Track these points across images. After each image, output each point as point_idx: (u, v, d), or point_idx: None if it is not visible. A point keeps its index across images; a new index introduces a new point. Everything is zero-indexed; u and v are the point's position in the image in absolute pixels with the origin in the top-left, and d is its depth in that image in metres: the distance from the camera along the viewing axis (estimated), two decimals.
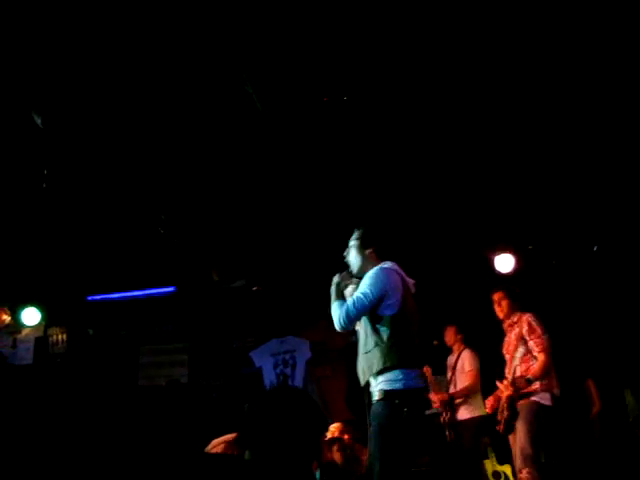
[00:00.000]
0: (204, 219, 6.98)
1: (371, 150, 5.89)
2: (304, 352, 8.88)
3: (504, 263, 7.30)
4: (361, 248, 4.19)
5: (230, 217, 6.96)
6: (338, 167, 6.10)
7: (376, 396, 3.87)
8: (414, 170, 6.22)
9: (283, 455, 2.29)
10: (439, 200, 6.71)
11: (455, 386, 6.74)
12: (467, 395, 6.61)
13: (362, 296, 3.87)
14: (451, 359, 6.89)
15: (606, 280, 7.32)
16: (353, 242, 4.26)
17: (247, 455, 2.38)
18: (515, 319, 5.58)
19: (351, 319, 3.90)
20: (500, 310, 5.70)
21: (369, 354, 3.90)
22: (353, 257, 4.23)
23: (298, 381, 8.68)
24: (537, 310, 5.63)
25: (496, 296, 5.74)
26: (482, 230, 7.05)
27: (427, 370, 6.50)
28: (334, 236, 4.60)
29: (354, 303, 3.88)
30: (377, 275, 3.93)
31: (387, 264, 4.06)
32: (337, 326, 3.96)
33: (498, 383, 5.51)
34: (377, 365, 3.84)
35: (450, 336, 6.89)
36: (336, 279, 4.18)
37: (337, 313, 3.94)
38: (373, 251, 4.17)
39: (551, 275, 7.43)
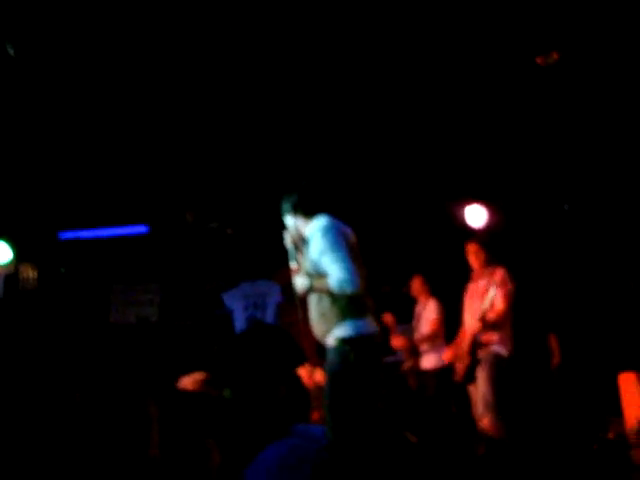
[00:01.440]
0: (180, 160, 6.94)
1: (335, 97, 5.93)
2: (275, 295, 8.94)
3: (476, 216, 7.32)
4: (301, 211, 4.20)
5: (206, 159, 6.95)
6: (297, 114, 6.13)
7: (328, 344, 3.94)
8: (395, 120, 6.29)
9: (263, 391, 2.27)
10: (418, 149, 6.80)
11: (420, 333, 6.83)
12: (429, 342, 6.70)
13: (339, 258, 3.86)
14: (418, 309, 6.97)
15: (575, 240, 7.40)
16: (288, 210, 4.26)
17: (227, 394, 2.40)
18: (488, 271, 5.68)
19: (354, 281, 3.83)
20: (475, 260, 5.78)
21: (323, 305, 3.98)
22: (294, 221, 4.25)
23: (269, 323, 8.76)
24: (507, 264, 5.73)
25: (472, 247, 5.80)
26: (454, 183, 7.13)
27: (389, 317, 6.58)
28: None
29: (341, 271, 3.83)
30: (328, 231, 3.97)
31: (324, 218, 4.08)
32: (350, 289, 3.84)
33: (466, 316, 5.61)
34: (331, 316, 3.92)
35: (417, 286, 6.96)
36: (290, 240, 4.21)
37: (341, 279, 3.83)
38: (309, 210, 4.19)
39: (521, 231, 7.48)
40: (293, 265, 4.17)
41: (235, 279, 9.22)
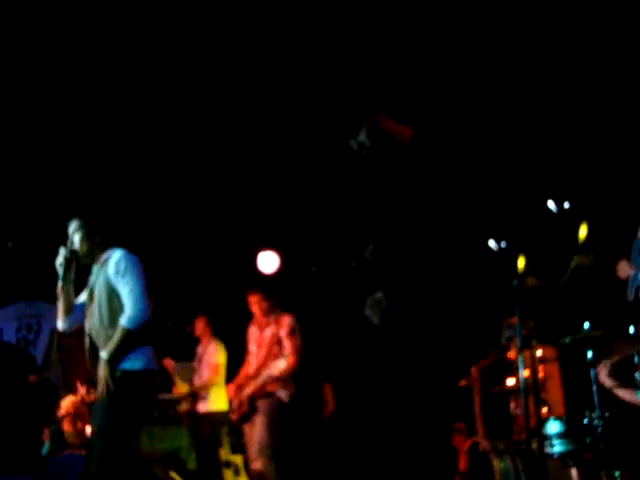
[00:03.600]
0: None
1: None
2: (51, 319, 8.35)
3: (268, 262, 7.37)
4: (88, 235, 4.17)
5: None
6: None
7: (104, 373, 3.87)
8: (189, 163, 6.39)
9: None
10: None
11: (200, 377, 6.79)
12: (208, 388, 6.69)
13: (138, 290, 3.88)
14: (200, 350, 6.92)
15: (356, 295, 7.52)
16: (78, 230, 4.20)
17: None
18: (273, 318, 5.67)
19: (146, 318, 3.87)
20: (258, 309, 5.77)
21: (109, 332, 3.93)
22: (79, 243, 4.18)
23: (40, 349, 8.32)
24: (294, 311, 5.78)
25: (253, 298, 5.78)
26: (249, 229, 7.20)
27: (168, 362, 6.56)
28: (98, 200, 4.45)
29: (137, 302, 3.85)
30: (132, 263, 3.99)
31: (121, 250, 4.07)
32: (140, 325, 3.85)
33: (251, 380, 5.58)
34: (114, 344, 3.87)
35: (200, 327, 6.90)
36: (62, 258, 4.10)
37: (136, 315, 3.84)
38: (101, 239, 4.18)
39: (309, 280, 7.66)
40: (60, 286, 4.11)
41: (11, 296, 8.62)
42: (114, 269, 3.93)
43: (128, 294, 3.87)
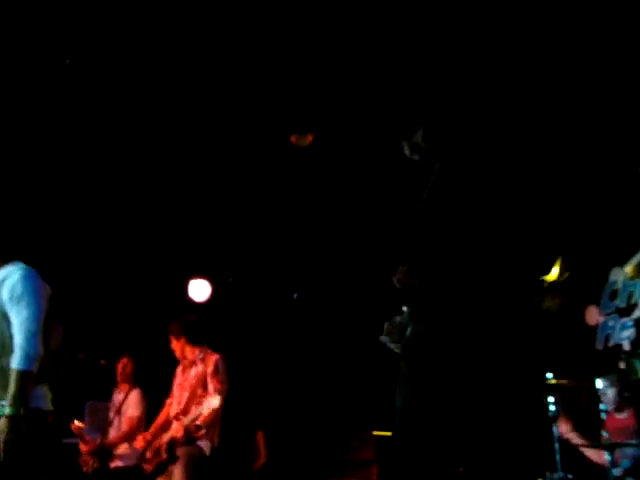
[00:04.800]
0: None
1: None
2: None
3: (199, 290, 6.86)
4: None
5: None
6: None
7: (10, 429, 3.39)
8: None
9: None
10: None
11: (116, 429, 6.03)
12: (125, 443, 6.00)
13: (30, 323, 3.45)
14: (117, 397, 6.15)
15: (301, 332, 7.17)
16: None
17: None
18: (200, 357, 5.34)
19: (38, 349, 3.43)
20: (178, 346, 5.44)
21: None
22: None
23: None
24: (223, 347, 5.47)
25: (174, 329, 5.47)
26: (179, 255, 6.70)
27: (76, 426, 5.99)
28: None
29: (28, 337, 3.42)
30: (31, 287, 3.56)
31: (22, 266, 3.65)
32: (31, 363, 3.40)
33: (175, 421, 5.22)
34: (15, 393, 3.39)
35: (122, 369, 6.14)
36: None
37: (25, 353, 3.39)
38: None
39: (246, 313, 7.16)
40: None
41: None
42: (8, 293, 3.51)
43: (19, 327, 3.45)
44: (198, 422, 5.03)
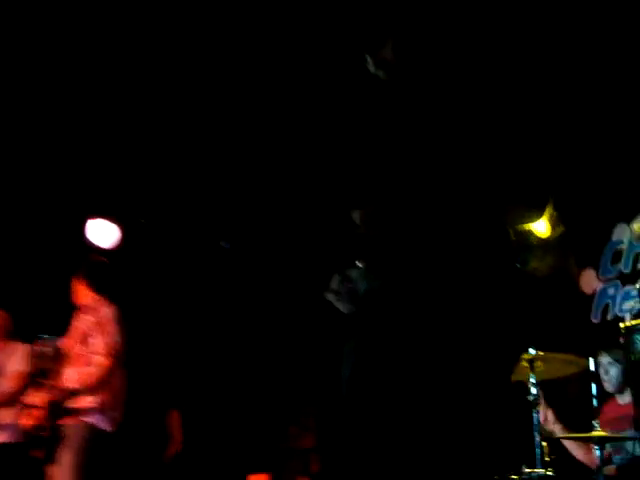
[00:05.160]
0: None
1: None
2: None
3: (104, 233, 6.06)
4: None
5: None
6: None
7: None
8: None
9: None
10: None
11: None
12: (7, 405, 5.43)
13: None
14: None
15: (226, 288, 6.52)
16: None
17: None
18: (92, 306, 4.91)
19: None
20: (75, 289, 5.04)
21: None
22: None
23: None
24: (130, 304, 5.00)
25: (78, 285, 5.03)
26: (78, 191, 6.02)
27: None
28: None
29: None
30: None
31: None
32: None
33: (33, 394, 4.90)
34: None
35: None
36: None
37: None
38: None
39: (161, 263, 6.44)
40: None
41: None
42: None
43: None
44: (75, 385, 4.59)
